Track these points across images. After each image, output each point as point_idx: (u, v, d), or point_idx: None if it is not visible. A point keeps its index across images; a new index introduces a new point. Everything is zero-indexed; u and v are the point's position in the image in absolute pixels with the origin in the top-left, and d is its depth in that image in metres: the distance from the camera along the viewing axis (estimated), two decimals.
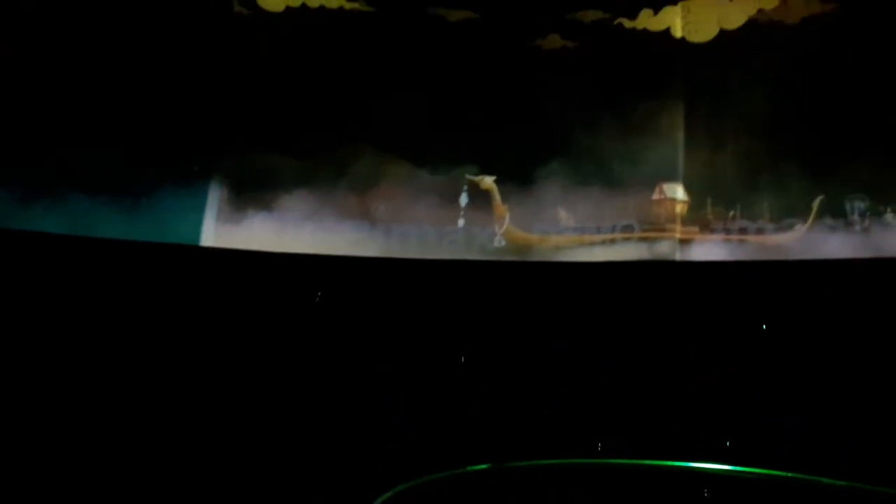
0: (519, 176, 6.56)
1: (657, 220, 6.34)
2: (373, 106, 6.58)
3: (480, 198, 6.53)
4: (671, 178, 6.39)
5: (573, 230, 6.44)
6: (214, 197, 5.88)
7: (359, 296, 5.97)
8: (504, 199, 6.52)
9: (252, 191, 5.96)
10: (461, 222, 6.46)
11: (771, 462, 4.10)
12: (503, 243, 6.44)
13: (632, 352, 5.54)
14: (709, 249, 6.12)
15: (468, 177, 6.52)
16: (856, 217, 5.73)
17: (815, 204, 5.91)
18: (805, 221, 5.87)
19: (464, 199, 6.50)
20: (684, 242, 6.27)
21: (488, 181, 6.54)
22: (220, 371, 5.57)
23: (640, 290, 5.86)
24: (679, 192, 6.42)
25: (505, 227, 6.49)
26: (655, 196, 6.39)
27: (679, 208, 6.47)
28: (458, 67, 6.99)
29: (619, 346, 5.56)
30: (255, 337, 5.73)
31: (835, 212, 5.81)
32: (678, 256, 6.17)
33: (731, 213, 6.23)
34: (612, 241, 6.36)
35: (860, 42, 6.13)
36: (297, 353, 5.76)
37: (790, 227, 5.91)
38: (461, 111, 6.76)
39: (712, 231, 6.28)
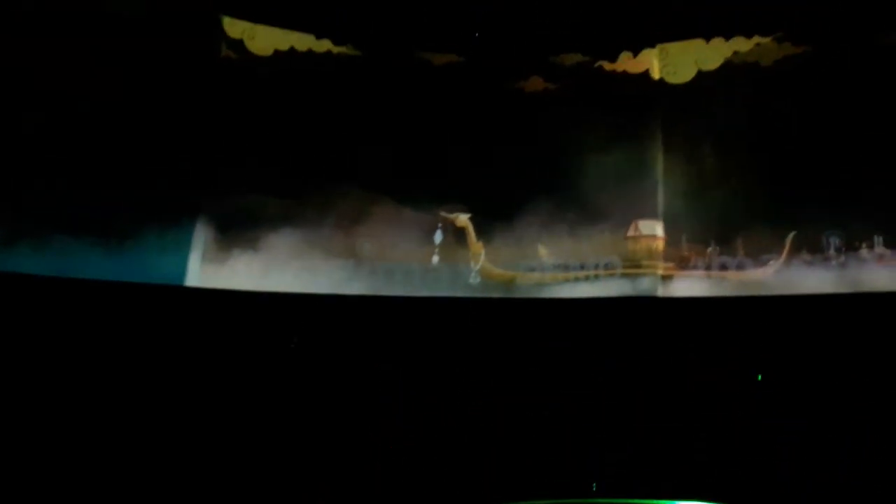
0: (503, 214, 6.65)
1: (633, 256, 6.44)
2: (359, 146, 6.69)
3: (462, 235, 6.62)
4: (651, 215, 6.50)
5: (554, 268, 6.53)
6: (200, 236, 5.90)
7: (343, 334, 5.97)
8: (488, 237, 6.60)
9: (237, 230, 5.99)
10: (435, 259, 6.50)
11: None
12: (478, 280, 6.49)
13: (615, 388, 5.54)
14: (690, 285, 6.20)
15: (442, 214, 6.59)
16: (832, 252, 5.82)
17: (788, 240, 6.02)
18: (783, 257, 5.97)
19: (438, 237, 6.56)
20: (666, 279, 6.37)
21: (463, 219, 6.62)
22: (205, 412, 5.53)
23: (623, 326, 5.88)
24: (654, 228, 6.51)
25: (481, 263, 6.55)
26: (630, 233, 6.50)
27: (655, 245, 6.60)
28: (443, 108, 7.17)
29: (602, 382, 5.56)
30: (238, 376, 5.70)
31: (812, 247, 5.93)
32: (660, 293, 6.23)
33: (710, 249, 6.33)
34: (596, 278, 6.42)
35: (832, 82, 6.32)
36: (283, 393, 5.73)
37: (767, 262, 6.00)
38: (446, 150, 6.90)
39: (692, 267, 6.37)
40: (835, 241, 5.81)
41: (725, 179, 6.36)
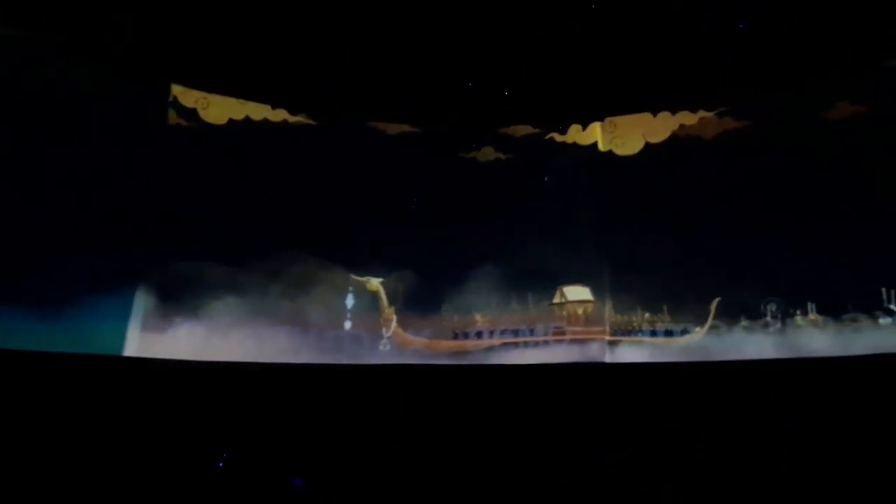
0: (453, 280, 6.69)
1: (559, 322, 6.47)
2: (310, 213, 6.71)
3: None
4: (588, 282, 6.62)
5: (491, 333, 6.49)
6: (140, 305, 5.77)
7: (289, 403, 5.83)
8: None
9: (179, 298, 5.88)
10: (347, 325, 6.39)
11: None
12: (388, 348, 6.37)
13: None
14: (633, 351, 6.23)
15: (353, 277, 6.50)
16: (769, 319, 5.95)
17: (713, 306, 6.21)
18: (723, 323, 6.08)
19: (350, 301, 6.47)
20: (613, 344, 6.38)
21: (375, 283, 6.52)
22: (144, 485, 5.30)
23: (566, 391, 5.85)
24: (581, 293, 6.58)
25: (392, 330, 6.47)
26: (556, 300, 6.57)
27: (581, 310, 6.63)
28: (396, 176, 7.27)
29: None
30: (177, 447, 5.50)
31: (750, 314, 6.05)
32: (608, 358, 6.25)
33: (647, 315, 6.42)
34: (537, 344, 6.39)
35: (769, 154, 6.58)
36: (225, 464, 5.54)
37: (705, 328, 6.12)
38: (398, 218, 6.99)
39: (634, 333, 6.42)
40: (771, 307, 5.94)
41: (667, 248, 6.49)
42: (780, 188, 6.34)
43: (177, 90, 6.70)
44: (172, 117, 6.55)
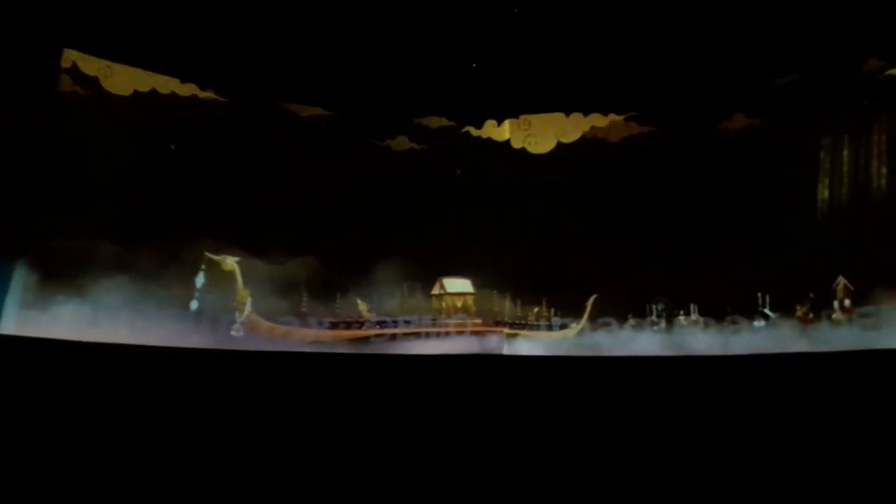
0: (358, 268, 6.64)
1: (437, 312, 6.55)
2: (212, 194, 6.51)
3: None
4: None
5: (371, 325, 6.36)
6: (18, 282, 5.44)
7: (179, 387, 5.63)
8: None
9: (63, 276, 5.56)
10: (194, 305, 5.96)
11: None
12: (241, 333, 6.00)
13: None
14: (526, 345, 6.40)
15: (207, 255, 6.05)
16: (654, 318, 6.25)
17: (589, 302, 6.46)
18: (622, 320, 6.33)
19: (199, 280, 6.03)
20: (477, 334, 6.34)
21: (230, 262, 6.09)
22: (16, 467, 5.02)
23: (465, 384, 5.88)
24: (461, 286, 6.68)
25: (246, 313, 6.02)
26: (435, 291, 6.65)
27: (460, 302, 6.74)
28: (308, 159, 7.14)
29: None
30: (54, 430, 5.24)
31: (638, 313, 6.33)
32: (506, 350, 6.38)
33: (537, 310, 6.63)
34: (424, 336, 6.31)
35: (667, 160, 6.89)
36: (104, 450, 5.31)
37: (605, 325, 6.33)
38: (305, 204, 6.85)
39: (527, 327, 6.60)
40: (658, 307, 6.24)
41: (565, 246, 6.69)
42: (674, 193, 6.64)
43: (75, 56, 6.37)
44: (67, 84, 6.22)
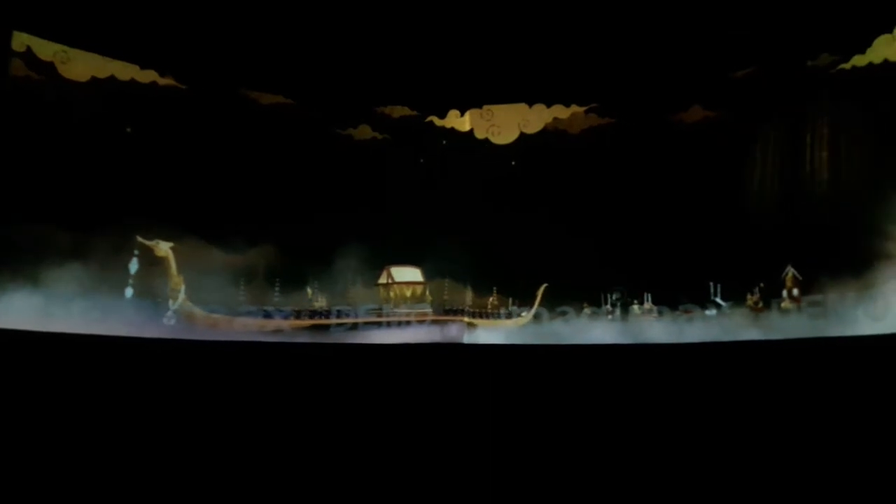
0: (319, 258, 6.65)
1: (385, 302, 6.59)
2: (170, 181, 6.43)
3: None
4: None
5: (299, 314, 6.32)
6: None
7: (136, 378, 5.58)
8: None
9: (13, 263, 5.46)
10: (129, 292, 5.84)
11: None
12: (173, 322, 5.89)
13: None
14: (484, 334, 6.48)
15: (139, 240, 5.90)
16: (609, 307, 6.35)
17: (540, 291, 6.55)
18: (571, 309, 6.42)
19: (133, 266, 5.89)
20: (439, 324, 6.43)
21: (164, 248, 5.95)
22: None
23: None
24: (410, 275, 6.71)
25: (180, 300, 5.91)
26: (382, 280, 6.68)
27: (409, 292, 6.79)
28: (268, 148, 7.10)
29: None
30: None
31: (593, 302, 6.44)
32: (466, 339, 6.45)
33: (492, 299, 6.70)
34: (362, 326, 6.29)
35: (626, 149, 6.97)
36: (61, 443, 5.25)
37: (563, 314, 6.42)
38: (264, 191, 6.82)
39: (485, 316, 6.68)
40: (613, 297, 6.35)
41: (525, 236, 6.75)
42: (631, 184, 6.74)
43: (30, 40, 6.23)
44: (20, 69, 6.09)
